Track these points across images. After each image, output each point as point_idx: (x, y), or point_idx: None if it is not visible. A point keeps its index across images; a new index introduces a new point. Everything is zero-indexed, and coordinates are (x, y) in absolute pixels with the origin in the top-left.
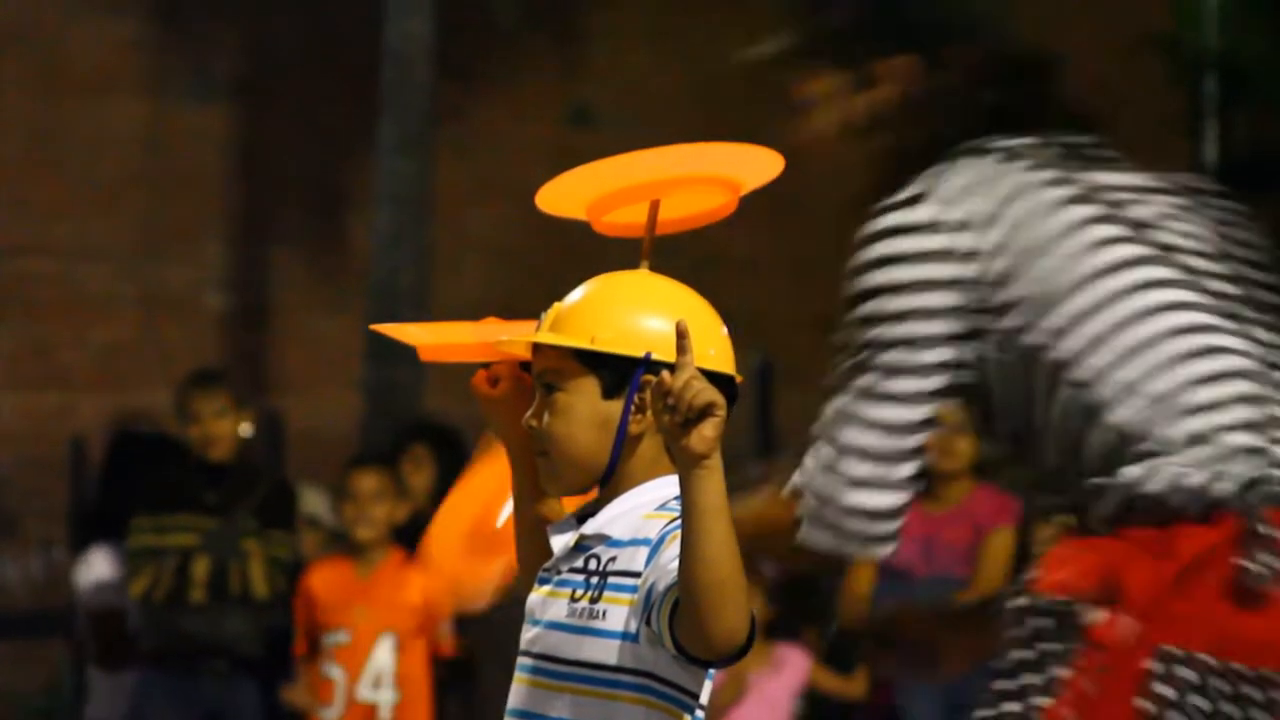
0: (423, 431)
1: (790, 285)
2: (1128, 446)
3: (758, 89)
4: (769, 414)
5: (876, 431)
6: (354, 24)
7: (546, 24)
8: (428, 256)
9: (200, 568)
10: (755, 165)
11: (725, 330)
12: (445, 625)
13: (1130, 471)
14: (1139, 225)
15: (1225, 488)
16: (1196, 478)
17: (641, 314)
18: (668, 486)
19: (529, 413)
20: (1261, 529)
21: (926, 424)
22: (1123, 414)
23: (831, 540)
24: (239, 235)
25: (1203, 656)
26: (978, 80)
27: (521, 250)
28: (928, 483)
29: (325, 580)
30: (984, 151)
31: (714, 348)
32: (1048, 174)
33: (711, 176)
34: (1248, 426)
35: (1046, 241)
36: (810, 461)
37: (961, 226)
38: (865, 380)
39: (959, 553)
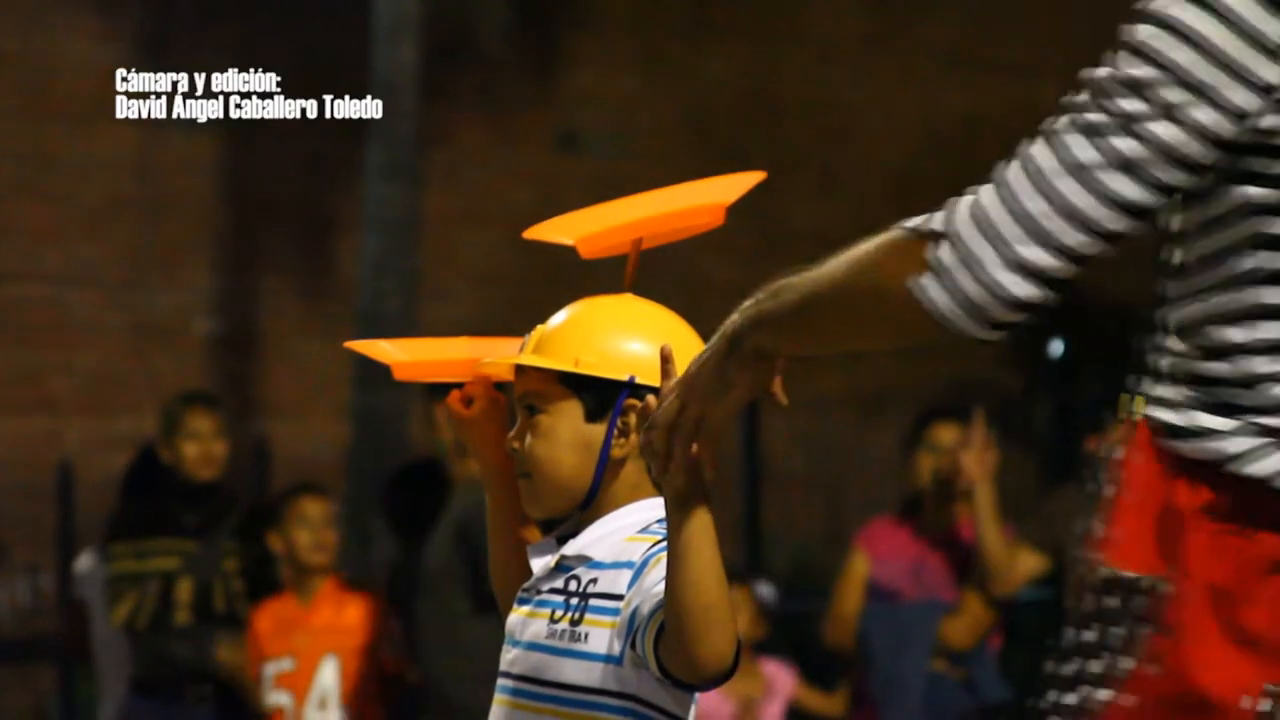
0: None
1: None
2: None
3: (741, 115)
4: (756, 438)
5: (1073, 225)
6: (341, 51)
7: (533, 50)
8: (415, 282)
9: (183, 590)
10: (738, 183)
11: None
12: (391, 644)
13: (1234, 443)
14: None
15: None
16: None
17: (625, 337)
18: (650, 510)
19: (511, 434)
20: None
21: (1135, 217)
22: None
23: (949, 306)
24: (227, 261)
25: None
26: None
27: (509, 275)
28: (919, 505)
29: (268, 618)
30: None
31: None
32: None
33: (698, 207)
34: None
35: None
36: (964, 206)
37: None
38: (1089, 154)
39: (949, 576)
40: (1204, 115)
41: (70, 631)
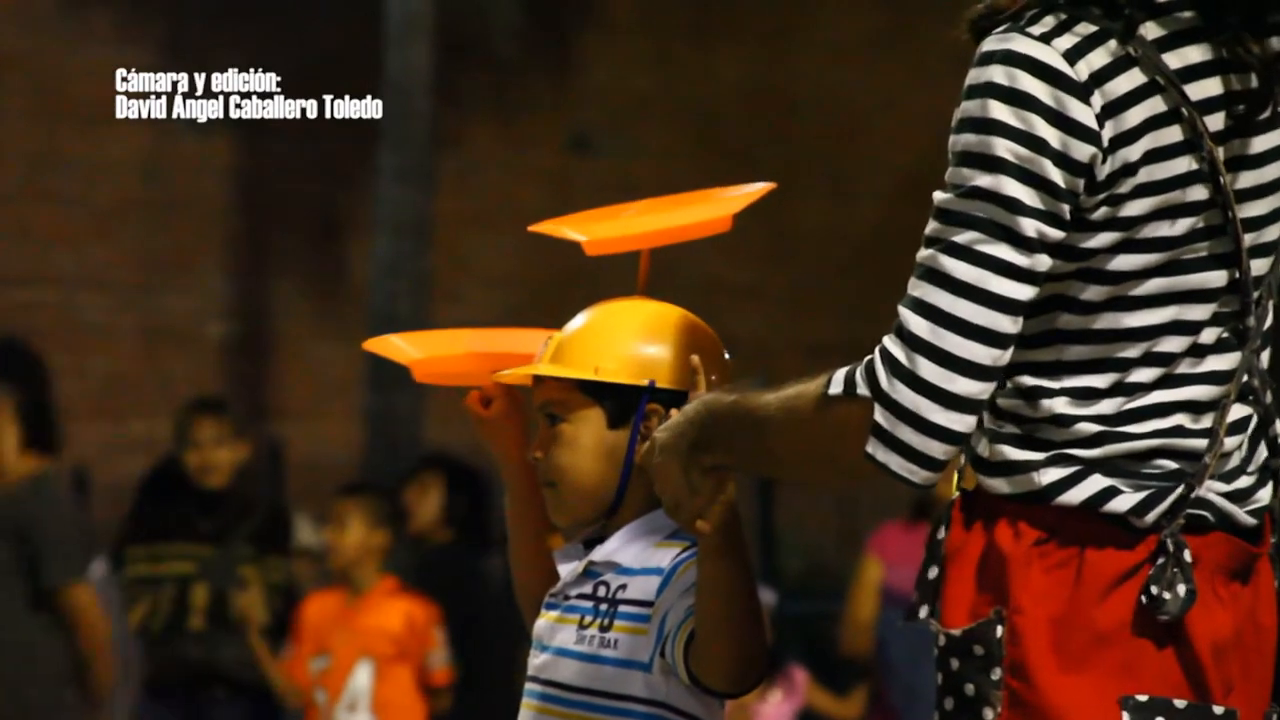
0: (433, 461)
1: (790, 312)
2: (1068, 423)
3: (753, 116)
4: None
5: (983, 342)
6: (353, 52)
7: (544, 52)
8: (427, 284)
9: (199, 595)
10: (748, 193)
11: (727, 355)
12: (436, 655)
13: (1049, 473)
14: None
15: (1152, 512)
16: (1126, 500)
17: (644, 342)
18: None
19: (533, 445)
20: (1183, 556)
21: (1023, 311)
22: (1085, 380)
23: (901, 464)
24: (239, 264)
25: (1175, 701)
26: None
27: (522, 277)
28: (929, 508)
29: (316, 609)
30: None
31: (716, 374)
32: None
33: (707, 221)
34: (1187, 439)
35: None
36: (881, 365)
37: (1102, 111)
38: (970, 273)
39: None
40: (1045, 203)
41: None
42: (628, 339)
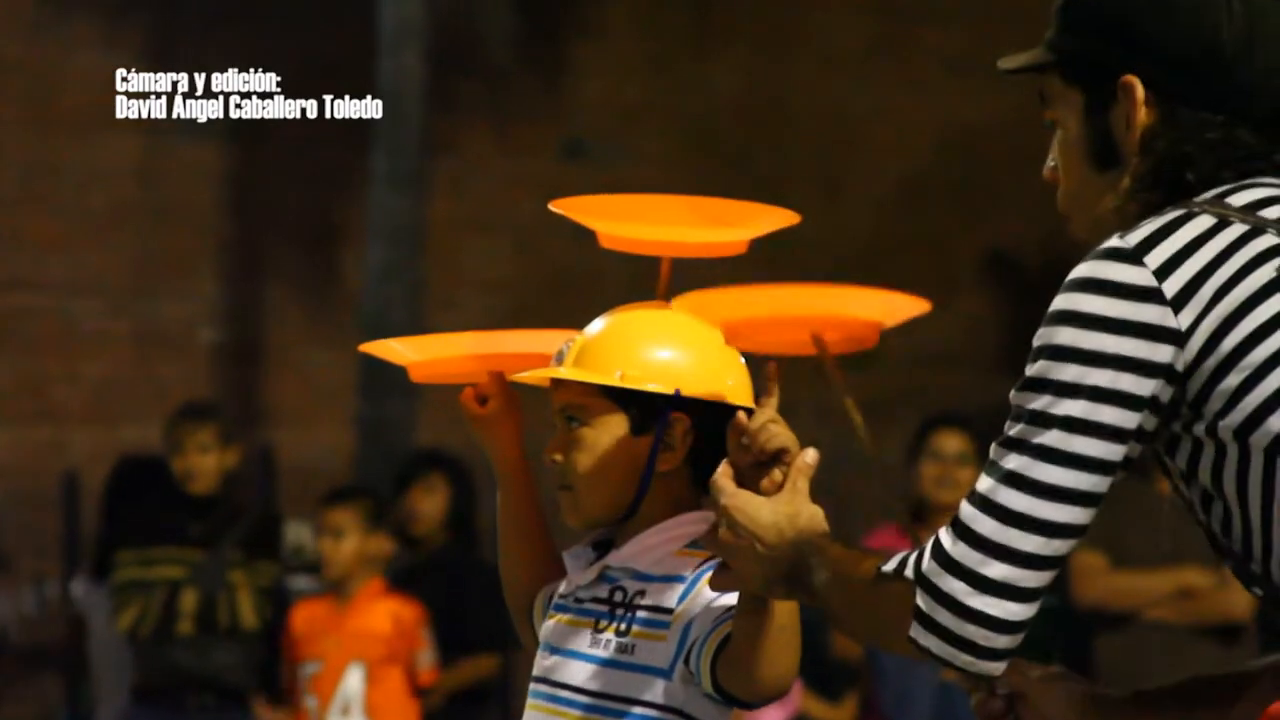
0: (434, 460)
1: None
2: None
3: (747, 123)
4: None
5: (1021, 529)
6: (346, 58)
7: (538, 58)
8: (421, 291)
9: (188, 600)
10: (768, 219)
11: (744, 361)
12: (424, 655)
13: None
14: None
15: None
16: None
17: (668, 349)
18: (696, 523)
19: (550, 447)
20: None
21: (1083, 530)
22: None
23: (940, 647)
24: (232, 270)
25: None
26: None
27: (514, 284)
28: (926, 516)
29: (305, 616)
30: (1213, 210)
31: (733, 379)
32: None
33: (726, 243)
34: None
35: (1248, 300)
36: (928, 548)
37: (1175, 302)
38: (1016, 461)
39: None
40: (1108, 389)
41: (70, 643)
42: (652, 345)
